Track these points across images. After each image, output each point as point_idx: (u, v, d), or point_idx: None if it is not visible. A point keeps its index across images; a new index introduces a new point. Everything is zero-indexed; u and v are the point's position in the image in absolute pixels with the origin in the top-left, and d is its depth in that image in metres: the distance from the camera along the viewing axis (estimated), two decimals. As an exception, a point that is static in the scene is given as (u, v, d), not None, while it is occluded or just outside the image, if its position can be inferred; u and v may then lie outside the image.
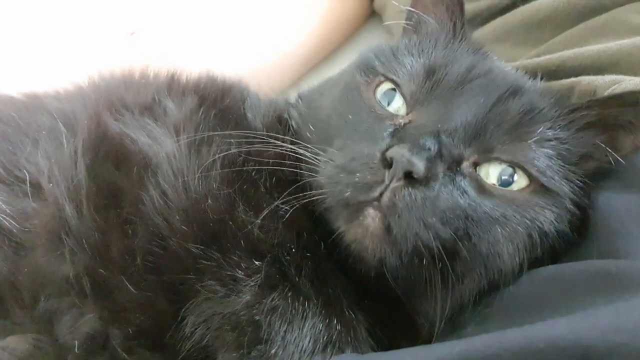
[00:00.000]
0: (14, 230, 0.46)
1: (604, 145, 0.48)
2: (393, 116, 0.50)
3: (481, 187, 0.47)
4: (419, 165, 0.43)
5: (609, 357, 0.33)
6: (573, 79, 0.59)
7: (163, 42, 0.94)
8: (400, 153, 0.43)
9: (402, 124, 0.48)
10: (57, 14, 0.93)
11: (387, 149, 0.44)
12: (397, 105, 0.50)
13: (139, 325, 0.44)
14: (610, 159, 0.48)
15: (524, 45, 0.70)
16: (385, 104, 0.51)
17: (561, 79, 0.61)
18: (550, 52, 0.66)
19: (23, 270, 0.45)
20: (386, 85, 0.52)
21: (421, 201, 0.43)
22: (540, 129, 0.48)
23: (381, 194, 0.44)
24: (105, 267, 0.45)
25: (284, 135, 0.55)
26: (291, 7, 0.95)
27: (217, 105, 0.56)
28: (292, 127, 0.56)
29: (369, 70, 0.54)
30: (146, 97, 0.55)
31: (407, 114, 0.50)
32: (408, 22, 0.59)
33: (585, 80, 0.57)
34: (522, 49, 0.70)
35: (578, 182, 0.49)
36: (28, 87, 0.64)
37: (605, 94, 0.53)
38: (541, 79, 0.58)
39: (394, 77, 0.51)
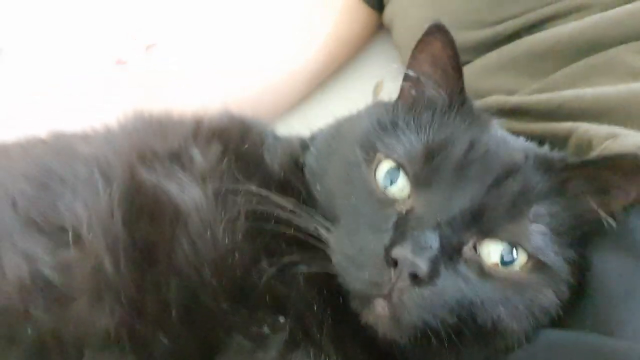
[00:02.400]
0: (56, 282, 0.49)
1: (596, 208, 0.51)
2: (394, 202, 0.51)
3: (482, 271, 0.49)
4: (423, 267, 0.46)
5: None
6: (572, 124, 0.62)
7: (171, 59, 0.97)
8: (403, 255, 0.46)
9: (404, 211, 0.50)
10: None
11: (391, 245, 0.47)
12: (402, 184, 0.52)
13: None
14: (604, 221, 0.51)
15: (527, 76, 0.73)
16: (387, 183, 0.52)
17: (561, 119, 0.64)
18: (551, 86, 0.69)
19: (67, 322, 0.48)
20: (387, 164, 0.53)
21: (428, 298, 0.47)
22: (534, 207, 0.50)
23: (389, 291, 0.47)
24: (140, 321, 0.48)
25: (300, 182, 0.58)
26: (299, 23, 0.98)
27: (238, 150, 0.59)
28: (306, 174, 0.59)
29: (369, 147, 0.55)
30: (173, 144, 0.58)
31: (409, 197, 0.51)
32: (405, 82, 0.59)
33: (583, 127, 0.60)
34: (525, 80, 0.73)
35: (573, 249, 0.52)
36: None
37: (599, 149, 0.56)
38: (542, 143, 0.60)
39: (396, 157, 0.53)
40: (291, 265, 0.51)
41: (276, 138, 0.65)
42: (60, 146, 0.60)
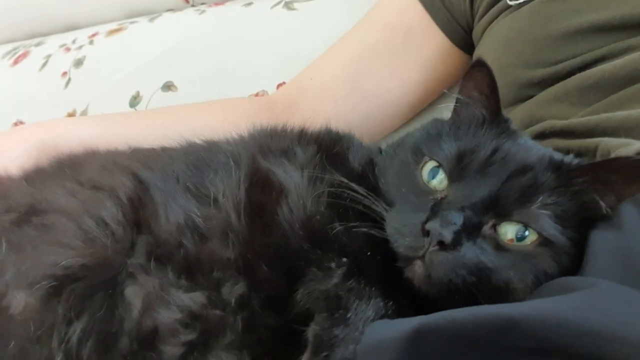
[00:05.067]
0: (201, 226, 0.73)
1: (598, 199, 0.65)
2: (433, 191, 0.69)
3: (497, 244, 0.65)
4: (447, 237, 0.63)
5: (534, 325, 0.47)
6: (599, 139, 0.76)
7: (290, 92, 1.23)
8: (434, 227, 0.63)
9: (439, 198, 0.68)
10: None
11: (426, 221, 0.64)
12: (441, 178, 0.70)
13: (269, 293, 0.70)
14: (603, 209, 0.65)
15: (577, 106, 0.87)
16: (430, 178, 0.70)
17: (597, 137, 0.78)
18: (594, 114, 0.83)
19: (205, 252, 0.72)
20: (431, 164, 0.71)
21: (452, 260, 0.63)
22: (541, 197, 0.65)
23: (423, 255, 0.64)
24: (251, 254, 0.71)
25: (372, 176, 0.78)
26: (399, 63, 1.19)
27: (329, 152, 0.81)
28: (376, 171, 0.79)
29: (417, 152, 0.74)
30: (283, 144, 0.82)
31: (445, 189, 0.69)
32: (456, 104, 0.77)
33: (605, 141, 0.74)
34: (576, 109, 0.87)
35: (575, 230, 0.65)
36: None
37: (612, 156, 0.70)
38: (579, 156, 0.74)
39: (437, 158, 0.71)
40: (355, 227, 0.71)
41: (362, 146, 0.87)
42: (211, 145, 0.87)
